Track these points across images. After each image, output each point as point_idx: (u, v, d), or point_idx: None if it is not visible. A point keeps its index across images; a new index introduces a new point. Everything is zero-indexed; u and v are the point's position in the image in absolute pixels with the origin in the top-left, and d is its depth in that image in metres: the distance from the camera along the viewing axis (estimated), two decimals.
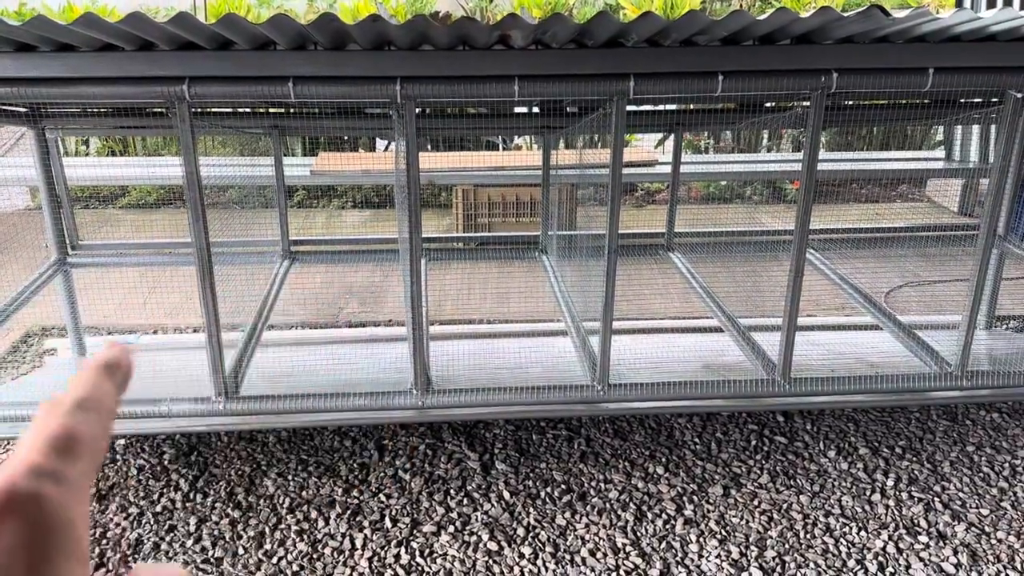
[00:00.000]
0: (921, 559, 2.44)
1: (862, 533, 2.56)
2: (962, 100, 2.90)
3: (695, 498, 2.74)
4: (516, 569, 2.39)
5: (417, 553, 2.47)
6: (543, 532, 2.57)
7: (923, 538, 2.54)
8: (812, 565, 2.41)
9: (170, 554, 2.47)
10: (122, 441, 3.08)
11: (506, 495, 2.76)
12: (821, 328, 3.49)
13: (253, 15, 10.24)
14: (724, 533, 2.56)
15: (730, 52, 2.11)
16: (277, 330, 3.91)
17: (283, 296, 3.36)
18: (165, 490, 2.79)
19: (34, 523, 0.22)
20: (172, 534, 2.56)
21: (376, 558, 2.46)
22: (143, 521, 2.63)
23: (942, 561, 2.43)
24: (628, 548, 2.49)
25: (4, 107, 2.81)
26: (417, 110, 2.18)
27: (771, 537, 2.54)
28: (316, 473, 2.88)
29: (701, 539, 2.53)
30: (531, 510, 2.68)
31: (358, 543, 2.52)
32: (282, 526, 2.60)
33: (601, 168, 2.54)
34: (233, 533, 2.57)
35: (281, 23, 1.79)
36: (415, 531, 2.58)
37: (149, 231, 6.09)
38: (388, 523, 2.61)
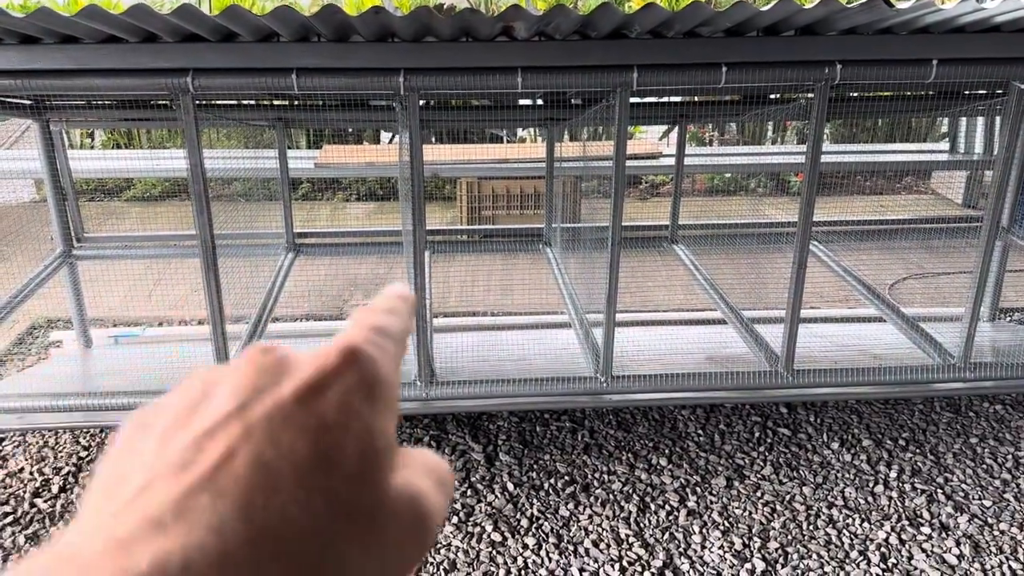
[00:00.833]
0: (924, 550, 2.45)
1: (865, 524, 2.57)
2: (966, 92, 2.89)
3: (698, 489, 2.74)
4: (520, 559, 2.40)
5: None
6: (546, 523, 2.58)
7: (926, 529, 2.54)
8: (815, 556, 2.42)
9: None
10: None
11: (510, 486, 2.77)
12: (825, 320, 3.49)
13: (258, 7, 10.23)
14: (727, 524, 2.57)
15: (734, 43, 2.11)
16: (282, 322, 3.93)
17: (287, 288, 3.36)
18: None
19: (368, 373, 0.29)
20: None
21: None
22: None
23: (945, 552, 2.43)
24: (631, 539, 2.50)
25: (9, 100, 2.82)
26: (421, 102, 2.18)
27: (774, 528, 2.55)
28: None
29: (704, 530, 2.54)
30: (535, 501, 2.69)
31: None
32: None
33: (605, 160, 2.54)
34: None
35: (285, 15, 1.79)
36: None
37: (154, 224, 6.11)
38: None
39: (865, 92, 3.00)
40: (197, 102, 2.14)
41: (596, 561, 2.40)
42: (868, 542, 2.49)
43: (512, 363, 2.95)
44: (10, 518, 2.63)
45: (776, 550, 2.45)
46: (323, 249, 3.71)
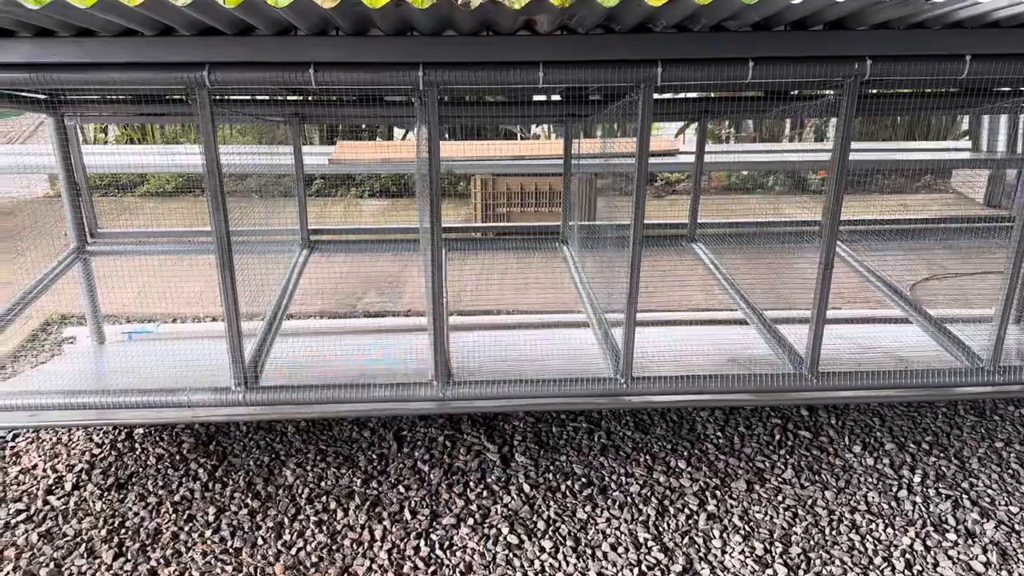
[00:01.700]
0: (950, 557, 2.39)
1: (889, 530, 2.52)
2: (995, 89, 2.83)
3: (718, 493, 2.70)
4: (536, 563, 2.37)
5: (437, 545, 2.45)
6: (564, 526, 2.54)
7: (951, 535, 2.49)
8: (838, 562, 2.37)
9: (189, 544, 2.46)
10: (140, 430, 3.08)
11: (526, 488, 2.73)
12: (847, 321, 3.43)
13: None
14: (748, 529, 2.52)
15: (761, 38, 2.06)
16: (296, 319, 3.90)
17: (301, 285, 3.33)
18: (184, 479, 2.78)
19: None
20: (191, 524, 2.55)
21: (395, 550, 2.43)
22: (162, 510, 2.62)
23: (971, 559, 2.38)
24: (650, 543, 2.45)
25: (23, 94, 2.79)
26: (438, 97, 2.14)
27: (796, 533, 2.50)
28: (335, 464, 2.86)
29: (724, 534, 2.49)
30: (551, 503, 2.65)
31: (377, 535, 2.50)
32: (301, 517, 2.58)
33: (625, 158, 2.49)
34: (252, 523, 2.56)
35: (303, 7, 1.75)
36: (434, 523, 2.55)
37: (168, 219, 6.09)
38: (407, 515, 2.59)
39: (885, 89, 2.94)
40: (213, 97, 2.10)
41: (615, 565, 2.35)
42: (892, 548, 2.43)
43: (529, 363, 2.91)
44: (23, 515, 2.61)
45: (798, 556, 2.40)
46: (337, 246, 3.68)
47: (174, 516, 2.60)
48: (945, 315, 3.20)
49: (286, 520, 2.57)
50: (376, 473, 2.81)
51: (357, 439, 3.01)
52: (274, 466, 2.85)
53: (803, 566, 2.36)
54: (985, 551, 2.42)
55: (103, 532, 2.53)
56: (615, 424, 3.11)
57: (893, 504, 2.64)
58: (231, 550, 2.44)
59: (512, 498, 2.68)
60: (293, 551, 2.43)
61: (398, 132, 7.25)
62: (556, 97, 3.28)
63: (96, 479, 2.80)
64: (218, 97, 2.80)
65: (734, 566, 2.36)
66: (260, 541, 2.48)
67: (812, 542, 2.46)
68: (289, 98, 3.18)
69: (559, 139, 5.88)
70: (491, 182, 5.56)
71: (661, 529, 2.52)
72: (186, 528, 2.54)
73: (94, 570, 2.36)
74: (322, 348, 3.09)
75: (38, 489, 2.75)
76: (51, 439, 3.05)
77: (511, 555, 2.41)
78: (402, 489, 2.72)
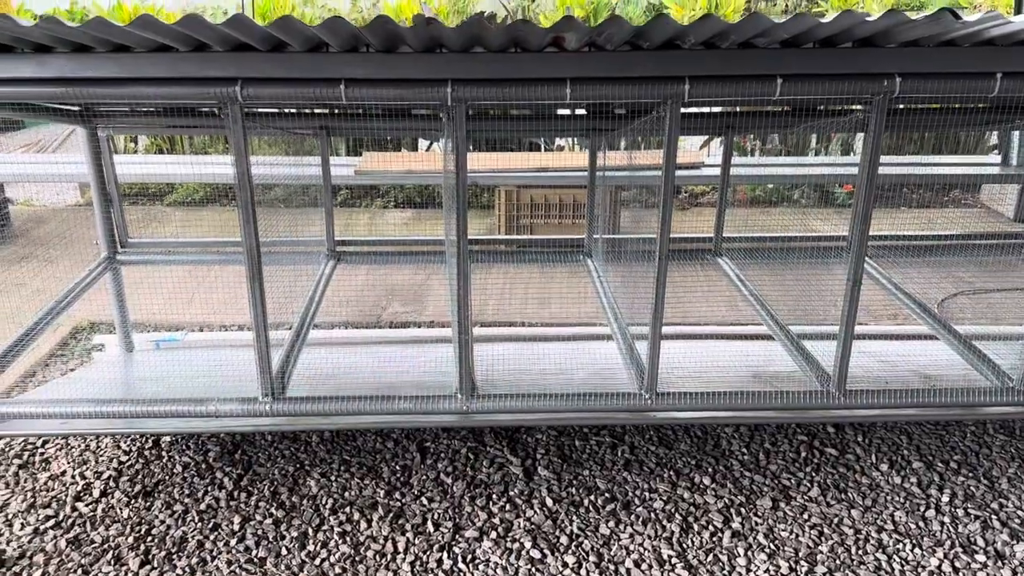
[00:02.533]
0: None
1: (916, 550, 2.49)
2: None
3: (743, 510, 2.68)
4: None
5: (459, 558, 2.45)
6: (587, 541, 2.53)
7: (980, 557, 2.46)
8: None
9: (214, 553, 2.49)
10: (167, 438, 3.11)
11: (549, 502, 2.73)
12: (873, 337, 3.40)
13: (298, 13, 10.34)
14: (773, 547, 2.50)
15: (790, 55, 2.06)
16: (321, 329, 3.92)
17: (327, 296, 3.36)
18: (209, 488, 2.81)
19: None
20: (216, 532, 2.58)
21: (418, 562, 2.44)
22: (187, 519, 2.65)
23: None
24: (674, 560, 2.44)
25: (59, 106, 2.85)
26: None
27: (821, 552, 2.48)
28: (358, 474, 2.88)
29: (749, 552, 2.47)
30: (574, 518, 2.64)
31: (400, 546, 2.51)
32: (325, 527, 2.60)
33: (651, 171, 2.49)
34: (276, 533, 2.57)
35: (336, 25, 1.78)
36: (457, 536, 2.56)
37: (196, 228, 6.17)
38: (430, 527, 2.60)
39: (913, 104, 2.92)
40: (244, 110, 2.13)
41: None
42: (920, 569, 2.40)
43: (553, 376, 2.92)
44: (52, 521, 2.65)
45: (824, 575, 2.38)
46: (363, 257, 3.71)
47: (200, 524, 2.62)
48: (974, 332, 3.17)
49: (310, 530, 2.59)
50: (399, 484, 2.82)
51: (381, 450, 3.03)
52: (299, 476, 2.87)
53: None
54: (1015, 573, 2.39)
55: (130, 539, 2.56)
56: (639, 439, 3.10)
57: (921, 524, 2.61)
58: (256, 559, 2.46)
59: (535, 512, 2.67)
60: (317, 561, 2.45)
61: (422, 143, 7.29)
62: (580, 111, 3.29)
63: (123, 486, 2.83)
64: (248, 111, 2.83)
65: None
66: (284, 551, 2.50)
67: (838, 561, 2.44)
68: (316, 111, 3.22)
69: (583, 151, 5.89)
70: (515, 194, 5.58)
71: (685, 546, 2.51)
72: (211, 536, 2.56)
73: None
74: (347, 359, 3.11)
75: (67, 496, 2.79)
76: (80, 446, 3.09)
77: (534, 570, 2.41)
78: (425, 501, 2.73)
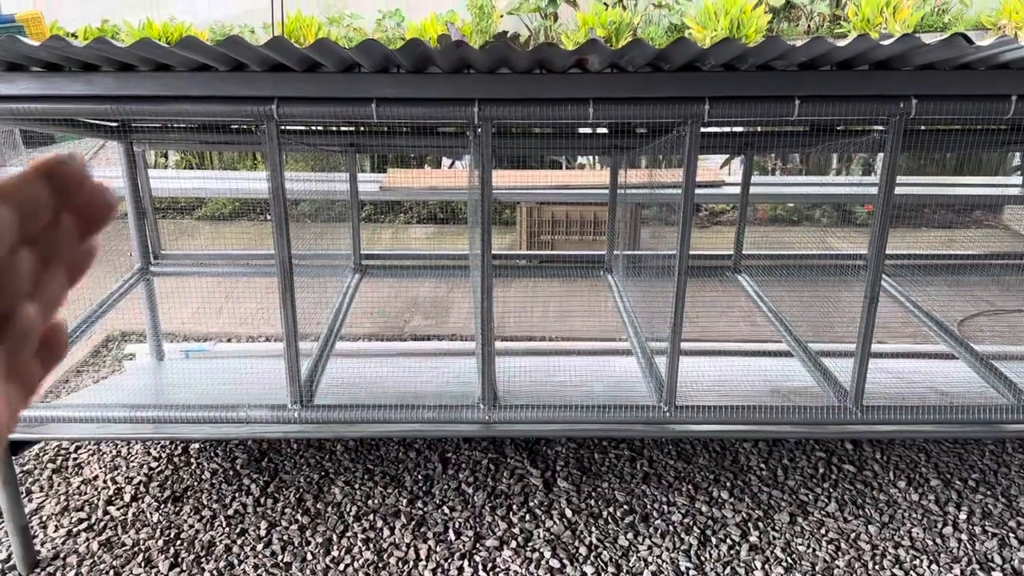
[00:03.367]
0: None
1: (933, 566, 2.50)
2: None
3: (760, 524, 2.71)
4: None
5: (480, 567, 2.50)
6: (605, 552, 2.57)
7: (997, 574, 2.47)
8: None
9: (241, 557, 2.55)
10: (196, 445, 3.19)
11: (568, 513, 2.77)
12: (892, 356, 3.42)
13: (324, 33, 10.52)
14: (790, 561, 2.53)
15: (807, 77, 2.11)
16: (345, 341, 4.00)
17: (353, 308, 3.43)
18: (237, 494, 2.88)
19: None
20: (243, 537, 2.64)
21: (440, 569, 2.49)
22: (215, 523, 2.72)
23: None
24: (692, 572, 2.47)
25: (100, 122, 2.96)
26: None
27: (838, 567, 2.50)
28: (382, 483, 2.94)
29: (767, 566, 2.50)
30: (593, 529, 2.68)
31: (422, 554, 2.56)
32: (349, 534, 2.66)
33: (671, 189, 2.55)
34: (302, 539, 2.64)
35: (369, 48, 1.86)
36: (478, 544, 2.61)
37: (223, 242, 6.29)
38: (452, 535, 2.65)
39: (934, 126, 2.96)
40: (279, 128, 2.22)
41: None
42: None
43: (573, 388, 2.96)
44: (84, 524, 2.73)
45: None
46: (388, 271, 3.78)
47: (227, 529, 2.69)
48: (993, 352, 3.18)
49: (334, 536, 2.65)
50: (421, 494, 2.88)
51: (404, 460, 3.09)
52: (323, 484, 2.93)
53: None
54: None
55: (160, 543, 2.63)
56: (657, 453, 3.13)
57: (938, 541, 2.63)
58: (281, 564, 2.52)
59: (554, 523, 2.72)
60: (341, 567, 2.50)
61: (445, 161, 7.39)
62: (602, 129, 3.36)
63: (153, 491, 2.91)
64: (282, 128, 2.92)
65: None
66: (309, 556, 2.56)
67: None
68: (344, 129, 3.30)
69: (604, 169, 5.95)
70: (536, 210, 5.65)
71: (703, 559, 2.54)
72: (239, 541, 2.63)
73: None
74: (372, 370, 3.18)
75: (99, 500, 2.87)
76: (111, 452, 3.18)
77: None
78: (447, 510, 2.79)
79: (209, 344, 3.77)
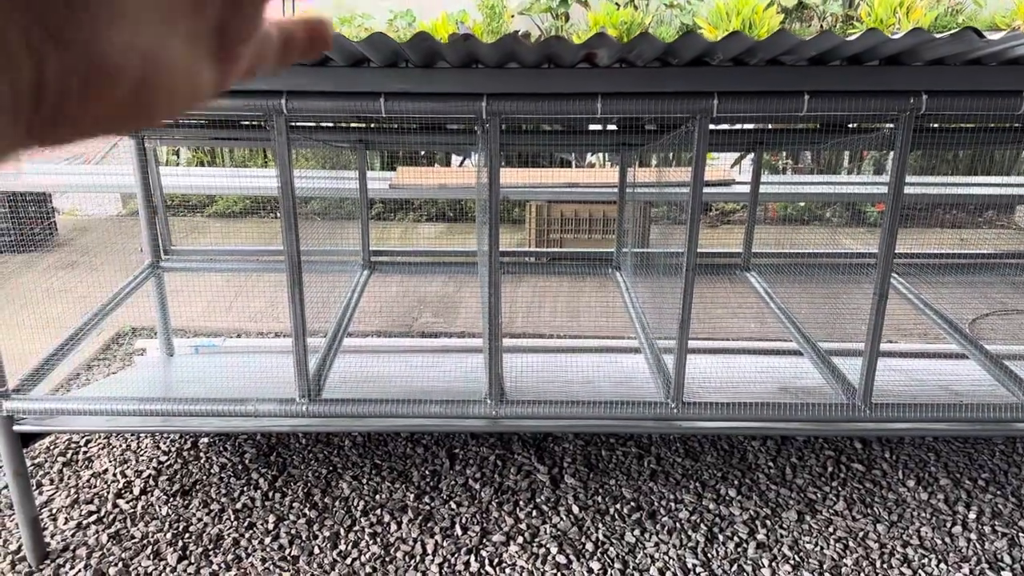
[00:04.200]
0: None
1: (942, 566, 2.49)
2: None
3: (768, 522, 2.70)
4: None
5: (487, 562, 2.50)
6: (612, 548, 2.57)
7: (1007, 574, 2.45)
8: None
9: (249, 550, 2.56)
10: (205, 440, 3.21)
11: (575, 509, 2.77)
12: (903, 355, 3.40)
13: (336, 30, 10.54)
14: (797, 559, 2.52)
15: (816, 72, 2.10)
16: (354, 337, 4.01)
17: (362, 305, 3.44)
18: (245, 488, 2.89)
19: None
20: (251, 531, 2.65)
21: (446, 564, 2.49)
22: (224, 517, 2.73)
23: None
24: (699, 569, 2.47)
25: None
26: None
27: (846, 565, 2.49)
28: (389, 478, 2.94)
29: (774, 564, 2.49)
30: (600, 526, 2.68)
31: (429, 548, 2.56)
32: (356, 528, 2.67)
33: (680, 187, 2.54)
34: (309, 533, 2.65)
35: (378, 42, 1.86)
36: (485, 540, 2.61)
37: (233, 239, 6.32)
38: (459, 530, 2.65)
39: (947, 123, 2.94)
40: (288, 123, 2.23)
41: None
42: None
43: (580, 385, 2.96)
44: (94, 517, 2.75)
45: None
46: (397, 267, 3.79)
47: (236, 523, 2.70)
48: (1004, 352, 3.16)
49: (342, 531, 2.66)
50: (429, 489, 2.88)
51: (411, 455, 3.09)
52: (331, 478, 2.94)
53: None
54: None
55: (168, 536, 2.64)
56: (665, 450, 3.13)
57: (947, 540, 2.61)
58: (289, 557, 2.53)
59: (561, 519, 2.72)
60: (348, 561, 2.51)
61: (455, 159, 7.40)
62: (611, 127, 3.35)
63: (162, 485, 2.93)
64: (291, 124, 2.93)
65: None
66: (317, 550, 2.56)
67: (863, 574, 2.45)
68: (353, 125, 3.31)
69: (613, 167, 5.95)
70: (546, 208, 5.65)
71: (710, 556, 2.54)
72: (247, 535, 2.64)
73: (159, 571, 2.47)
74: (380, 366, 3.19)
75: (108, 492, 2.89)
76: (120, 446, 3.20)
77: (559, 574, 2.45)
78: (453, 505, 2.79)
79: (219, 340, 3.78)
